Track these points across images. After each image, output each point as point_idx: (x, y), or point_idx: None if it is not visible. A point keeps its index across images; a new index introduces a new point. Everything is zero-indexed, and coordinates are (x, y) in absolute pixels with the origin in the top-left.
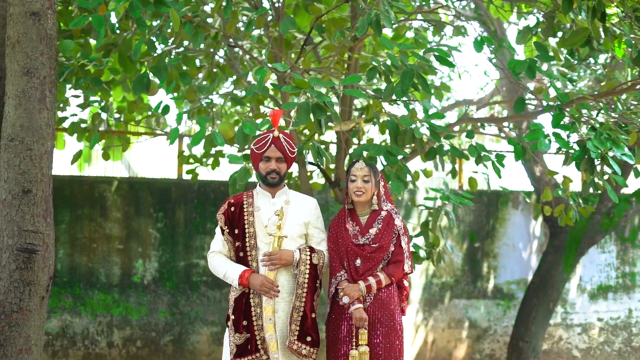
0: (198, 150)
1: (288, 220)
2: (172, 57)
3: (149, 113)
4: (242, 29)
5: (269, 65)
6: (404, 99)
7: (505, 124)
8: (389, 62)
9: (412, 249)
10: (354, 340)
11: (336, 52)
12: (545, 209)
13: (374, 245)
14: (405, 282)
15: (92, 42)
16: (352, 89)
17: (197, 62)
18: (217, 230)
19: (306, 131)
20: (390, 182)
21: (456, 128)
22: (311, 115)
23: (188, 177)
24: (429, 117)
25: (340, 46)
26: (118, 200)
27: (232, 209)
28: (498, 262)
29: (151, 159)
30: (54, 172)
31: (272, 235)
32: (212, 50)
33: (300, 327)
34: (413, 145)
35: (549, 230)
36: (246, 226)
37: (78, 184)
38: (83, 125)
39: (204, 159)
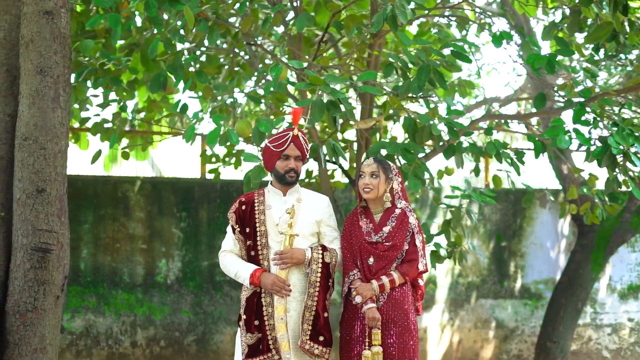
0: (220, 149)
1: (300, 219)
2: (188, 55)
3: (168, 112)
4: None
5: (285, 62)
6: (422, 95)
7: (534, 121)
8: (406, 59)
9: (433, 248)
10: (367, 340)
11: (356, 49)
12: (571, 208)
13: (387, 243)
14: (420, 281)
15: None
16: (368, 86)
17: (222, 60)
18: (229, 229)
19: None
20: (407, 180)
21: (481, 125)
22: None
23: (211, 176)
24: (447, 114)
25: (360, 43)
26: (141, 200)
27: (243, 207)
28: (525, 262)
29: (176, 158)
30: (78, 172)
31: (283, 234)
32: (233, 49)
33: (313, 326)
34: (432, 142)
35: (577, 229)
36: (257, 225)
37: (101, 184)
38: (106, 125)
39: (227, 158)
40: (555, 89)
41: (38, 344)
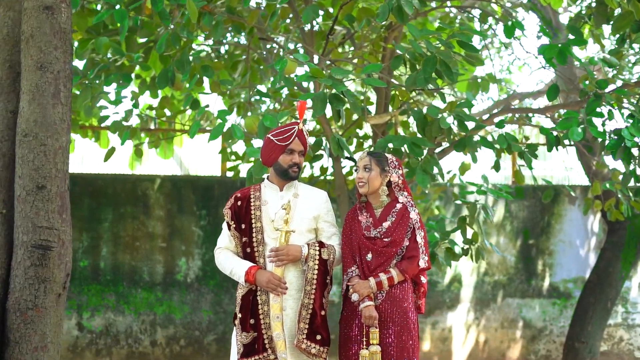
0: (240, 146)
1: (296, 214)
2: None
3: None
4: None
5: (291, 56)
6: (430, 87)
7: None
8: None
9: (448, 245)
10: (364, 339)
11: (370, 43)
12: (595, 204)
13: (386, 239)
14: (423, 279)
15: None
16: (372, 79)
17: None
18: (224, 225)
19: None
20: (416, 175)
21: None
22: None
23: (231, 174)
24: (457, 107)
25: (374, 36)
26: (161, 199)
27: (239, 203)
28: (554, 260)
29: (201, 156)
30: (98, 170)
31: (279, 230)
32: (248, 44)
33: (310, 325)
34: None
35: (607, 226)
36: (253, 221)
37: (121, 183)
38: (125, 124)
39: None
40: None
41: (39, 342)
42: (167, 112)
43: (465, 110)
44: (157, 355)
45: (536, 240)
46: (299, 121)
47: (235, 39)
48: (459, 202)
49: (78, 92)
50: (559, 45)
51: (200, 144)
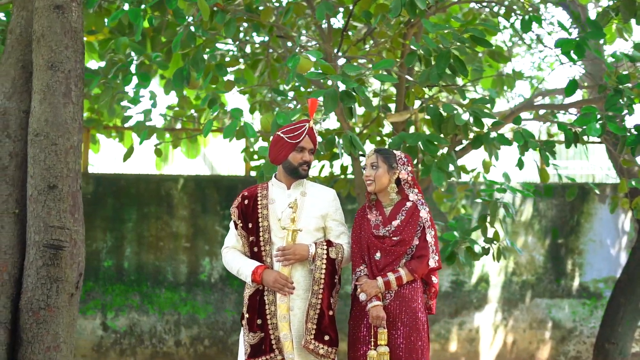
0: (263, 146)
1: (304, 213)
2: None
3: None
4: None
5: (303, 53)
6: (444, 83)
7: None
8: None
9: (467, 244)
10: (372, 339)
11: (388, 38)
12: (622, 202)
13: (394, 238)
14: (434, 279)
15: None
16: (383, 75)
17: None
18: (231, 224)
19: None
20: (431, 173)
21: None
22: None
23: (254, 173)
24: (474, 103)
25: (393, 32)
26: (185, 198)
27: (246, 202)
28: (583, 259)
29: (228, 155)
30: (121, 170)
31: (285, 229)
32: (268, 43)
33: (317, 325)
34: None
35: (638, 224)
36: (260, 220)
37: (144, 183)
38: (149, 124)
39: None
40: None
41: (51, 342)
42: (188, 112)
43: (487, 107)
44: (182, 355)
45: (565, 239)
46: (309, 119)
47: (254, 38)
48: (479, 200)
49: (95, 92)
50: (576, 39)
51: (226, 143)
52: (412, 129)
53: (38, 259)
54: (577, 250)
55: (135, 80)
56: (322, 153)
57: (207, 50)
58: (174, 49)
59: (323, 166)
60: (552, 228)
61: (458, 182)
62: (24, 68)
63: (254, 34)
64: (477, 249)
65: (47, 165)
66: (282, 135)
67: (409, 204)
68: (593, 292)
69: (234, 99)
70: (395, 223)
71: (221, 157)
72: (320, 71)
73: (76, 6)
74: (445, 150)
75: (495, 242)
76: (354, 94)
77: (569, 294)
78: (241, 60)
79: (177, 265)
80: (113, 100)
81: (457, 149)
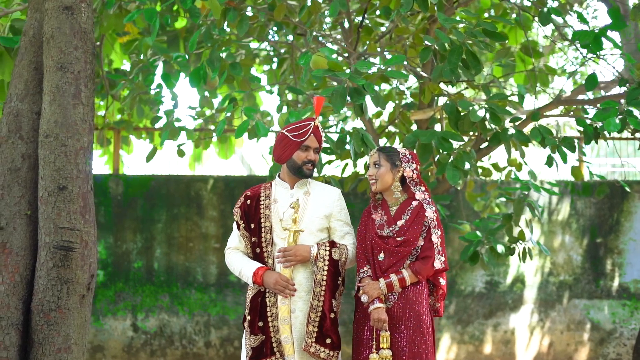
0: None
1: (307, 213)
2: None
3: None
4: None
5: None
6: (458, 79)
7: None
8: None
9: (491, 244)
10: (373, 343)
11: (409, 34)
12: None
13: (399, 238)
14: (442, 280)
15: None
16: (395, 71)
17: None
18: (234, 225)
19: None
20: (446, 171)
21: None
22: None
23: None
24: (489, 99)
25: (416, 29)
26: (214, 199)
27: (249, 202)
28: (623, 259)
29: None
30: (153, 171)
31: (287, 230)
32: (292, 41)
33: (319, 328)
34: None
35: None
36: (262, 220)
37: (174, 183)
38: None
39: None
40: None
41: (62, 343)
42: (211, 112)
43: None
44: (212, 356)
45: (604, 238)
46: (314, 117)
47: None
48: (503, 199)
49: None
50: (595, 30)
51: (263, 143)
52: (437, 127)
53: (48, 261)
54: (617, 249)
55: (158, 80)
56: (329, 151)
57: (223, 49)
58: (190, 49)
59: (346, 165)
60: (590, 227)
61: (487, 181)
62: (36, 70)
63: (273, 32)
64: (500, 249)
65: (56, 167)
66: (286, 133)
67: (414, 203)
68: (633, 292)
69: (268, 99)
70: (400, 223)
71: (259, 157)
72: (322, 69)
73: (85, 7)
74: (466, 148)
75: (520, 242)
76: (363, 90)
77: (609, 294)
78: (275, 59)
79: (207, 266)
80: (134, 101)
81: (482, 146)
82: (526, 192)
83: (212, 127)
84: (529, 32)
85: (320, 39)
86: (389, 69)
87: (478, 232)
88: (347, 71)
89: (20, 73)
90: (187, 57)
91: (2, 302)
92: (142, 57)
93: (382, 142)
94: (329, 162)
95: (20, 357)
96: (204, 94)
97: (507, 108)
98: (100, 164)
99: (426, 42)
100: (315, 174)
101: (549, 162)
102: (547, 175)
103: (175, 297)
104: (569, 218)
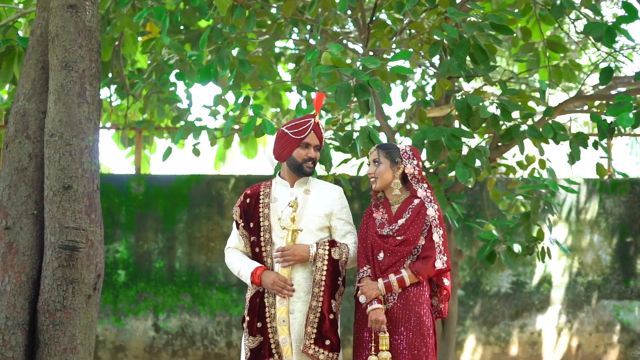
0: None
1: (306, 212)
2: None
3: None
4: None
5: (327, 46)
6: (467, 74)
7: None
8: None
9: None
10: (372, 344)
11: (424, 30)
12: None
13: (398, 237)
14: (446, 281)
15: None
16: (400, 67)
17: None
18: (234, 224)
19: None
20: (455, 170)
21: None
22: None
23: None
24: (501, 94)
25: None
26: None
27: (248, 200)
28: None
29: None
30: (178, 171)
31: (285, 229)
32: (309, 39)
33: (318, 329)
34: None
35: None
36: (261, 219)
37: (195, 183)
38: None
39: None
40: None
41: (68, 343)
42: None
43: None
44: (233, 357)
45: (635, 237)
46: (314, 114)
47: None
48: (520, 197)
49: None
50: (608, 23)
51: None
52: (457, 124)
53: (54, 260)
54: None
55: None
56: (332, 148)
57: (233, 45)
58: (200, 46)
59: (362, 163)
60: (619, 226)
61: (508, 179)
62: (43, 69)
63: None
64: (516, 248)
65: (61, 166)
66: (286, 130)
67: (416, 201)
68: None
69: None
70: (400, 222)
71: None
72: (324, 65)
73: (90, 5)
74: (480, 145)
75: (538, 241)
76: (368, 87)
77: (639, 295)
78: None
79: None
80: (148, 100)
81: (500, 144)
82: (543, 191)
83: (237, 127)
84: (556, 26)
85: (333, 34)
86: (395, 65)
87: (494, 232)
88: (355, 67)
89: (28, 72)
90: (202, 55)
91: (9, 302)
92: (158, 56)
93: (399, 139)
94: (345, 160)
95: (27, 357)
96: (226, 92)
97: (531, 104)
98: (128, 164)
99: (435, 37)
100: (324, 172)
101: (571, 158)
102: (575, 172)
103: (196, 297)
104: (597, 217)
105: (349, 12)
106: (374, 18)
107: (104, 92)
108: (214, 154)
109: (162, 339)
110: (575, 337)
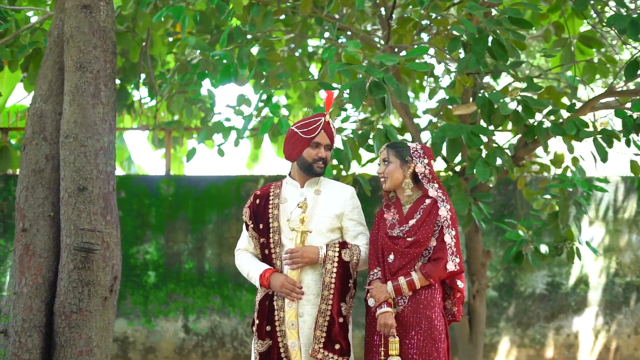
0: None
1: (317, 213)
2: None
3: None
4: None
5: (343, 43)
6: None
7: None
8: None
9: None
10: (382, 349)
11: (445, 27)
12: None
13: (409, 239)
14: (460, 283)
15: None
16: (417, 63)
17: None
18: (244, 225)
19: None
20: (475, 168)
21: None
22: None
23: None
24: (524, 90)
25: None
26: None
27: (257, 201)
28: None
29: None
30: (204, 172)
31: (294, 230)
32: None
33: (327, 333)
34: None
35: None
36: (270, 220)
37: (225, 184)
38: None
39: None
40: None
41: (84, 346)
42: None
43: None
44: None
45: None
46: (325, 113)
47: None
48: (548, 196)
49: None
50: (633, 15)
51: None
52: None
53: (69, 262)
54: None
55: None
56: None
57: (252, 44)
58: (220, 45)
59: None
60: None
61: (540, 177)
62: (60, 70)
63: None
64: (543, 249)
65: (76, 167)
66: (296, 130)
67: (428, 201)
68: None
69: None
70: (411, 222)
71: None
72: (336, 63)
73: (104, 5)
74: (506, 143)
75: (567, 241)
76: (384, 84)
77: None
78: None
79: None
80: (171, 100)
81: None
82: (571, 190)
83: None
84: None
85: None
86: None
87: (520, 232)
88: (373, 64)
89: (45, 74)
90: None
91: (25, 304)
92: (182, 56)
93: (425, 138)
94: (371, 160)
95: (43, 359)
96: (257, 91)
97: (564, 100)
98: (162, 165)
99: (454, 32)
100: (340, 172)
101: (602, 156)
102: (612, 171)
103: (226, 299)
104: (635, 216)
105: (369, 9)
106: (393, 14)
107: (134, 94)
108: (247, 154)
109: (192, 340)
110: (613, 339)
